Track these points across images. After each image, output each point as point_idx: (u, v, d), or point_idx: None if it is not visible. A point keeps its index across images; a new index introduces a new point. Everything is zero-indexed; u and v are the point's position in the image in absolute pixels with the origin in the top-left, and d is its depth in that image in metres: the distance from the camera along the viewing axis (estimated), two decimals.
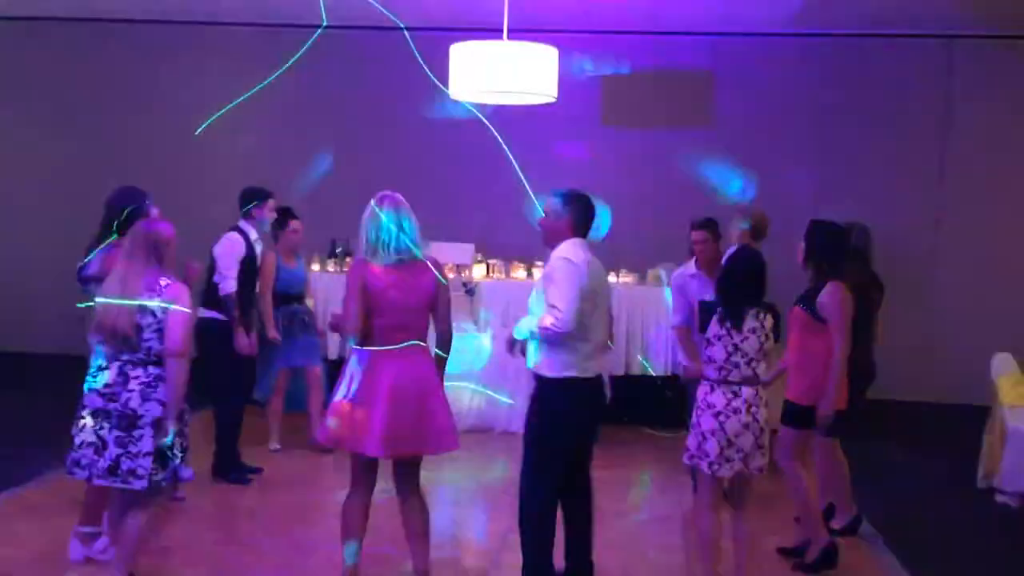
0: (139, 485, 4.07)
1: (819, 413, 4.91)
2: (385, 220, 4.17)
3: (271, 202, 6.46)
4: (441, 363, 4.32)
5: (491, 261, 8.69)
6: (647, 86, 9.53)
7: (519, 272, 8.58)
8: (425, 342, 4.29)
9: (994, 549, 5.59)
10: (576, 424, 4.44)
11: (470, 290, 8.26)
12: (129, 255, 4.18)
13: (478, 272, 8.55)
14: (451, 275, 8.47)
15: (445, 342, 4.31)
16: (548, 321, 4.24)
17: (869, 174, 9.21)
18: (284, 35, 9.64)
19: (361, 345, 4.18)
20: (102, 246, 4.84)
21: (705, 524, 4.55)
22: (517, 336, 4.47)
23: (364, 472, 4.30)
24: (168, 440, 4.08)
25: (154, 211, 4.96)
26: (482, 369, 7.80)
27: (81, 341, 4.59)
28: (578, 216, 4.52)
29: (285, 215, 6.98)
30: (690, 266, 6.23)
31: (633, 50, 9.62)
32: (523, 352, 4.50)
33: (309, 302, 7.30)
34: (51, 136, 10.00)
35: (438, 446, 4.26)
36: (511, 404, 7.58)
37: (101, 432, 4.09)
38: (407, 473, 4.33)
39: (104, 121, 9.86)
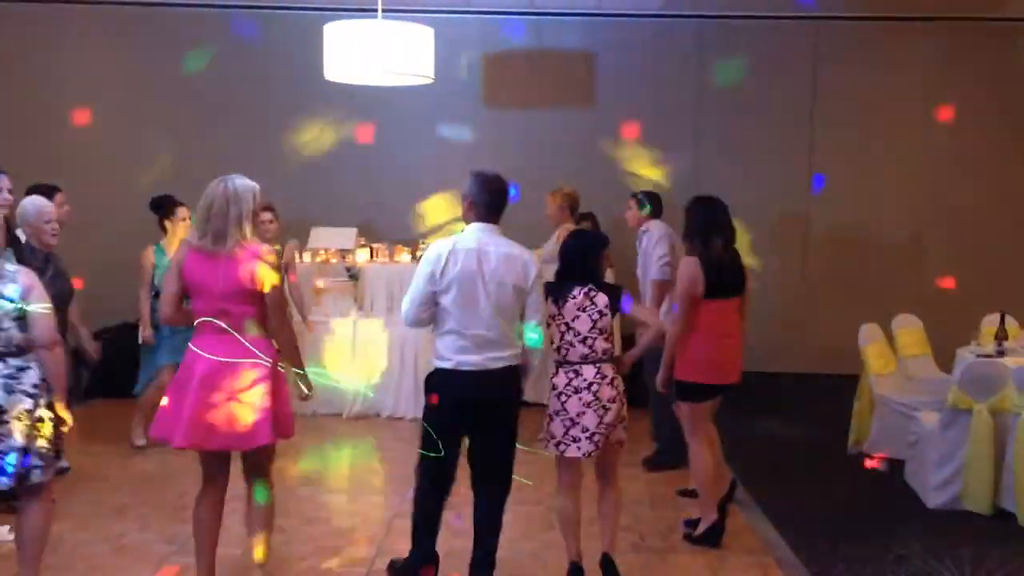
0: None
1: (658, 380, 5.22)
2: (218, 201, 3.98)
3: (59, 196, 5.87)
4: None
5: (374, 245, 8.60)
6: (528, 67, 9.55)
7: (403, 256, 8.50)
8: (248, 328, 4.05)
9: (864, 511, 5.82)
10: (445, 415, 4.30)
11: (353, 275, 8.16)
12: None
13: (361, 256, 8.44)
14: (334, 260, 8.37)
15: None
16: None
17: (744, 152, 9.44)
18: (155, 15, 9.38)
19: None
20: None
21: (560, 504, 4.56)
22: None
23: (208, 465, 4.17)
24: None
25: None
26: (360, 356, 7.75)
27: None
28: (478, 198, 4.34)
29: (171, 203, 6.81)
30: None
31: (512, 31, 9.62)
32: None
33: None
34: None
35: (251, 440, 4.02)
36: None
37: None
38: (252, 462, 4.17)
39: None
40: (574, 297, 4.43)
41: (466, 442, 4.38)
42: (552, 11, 9.48)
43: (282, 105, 9.27)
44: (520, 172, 9.24)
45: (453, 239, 4.32)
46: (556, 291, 4.47)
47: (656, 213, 6.58)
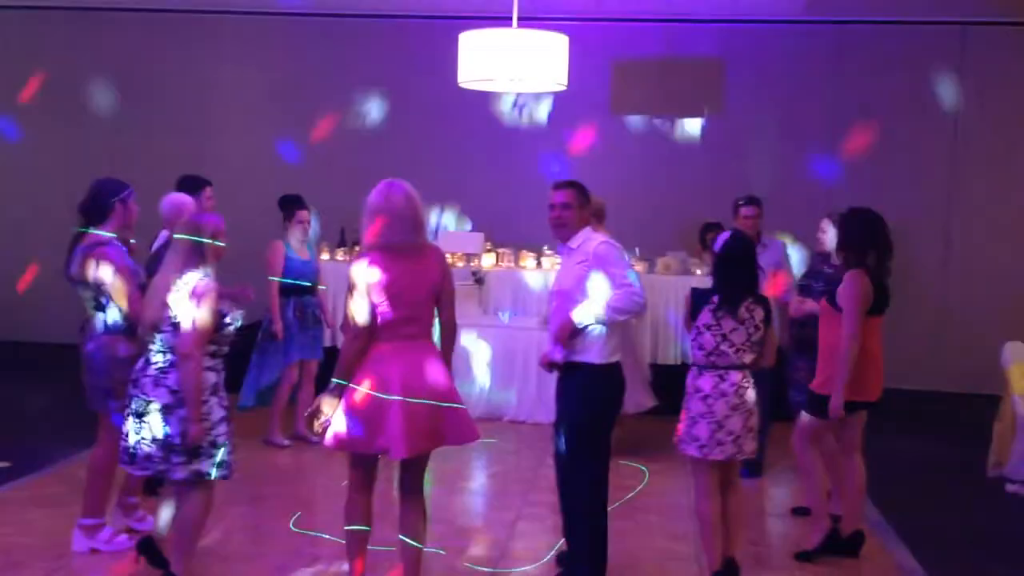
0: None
1: (831, 404, 4.88)
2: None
3: (208, 190, 6.04)
4: (447, 354, 4.24)
5: (500, 250, 8.69)
6: (657, 74, 9.51)
7: (527, 261, 8.57)
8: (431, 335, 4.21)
9: (1004, 538, 5.58)
10: (619, 407, 4.56)
11: (479, 279, 8.26)
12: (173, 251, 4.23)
13: (487, 261, 8.54)
14: (460, 264, 8.50)
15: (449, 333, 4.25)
16: (622, 300, 4.24)
17: (883, 163, 9.17)
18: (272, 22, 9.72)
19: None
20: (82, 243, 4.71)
21: (705, 510, 4.53)
22: (580, 322, 4.30)
23: (365, 470, 4.22)
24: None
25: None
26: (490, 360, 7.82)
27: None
28: (590, 206, 4.57)
29: (293, 204, 6.92)
30: None
31: (643, 38, 9.60)
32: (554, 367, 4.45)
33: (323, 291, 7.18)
34: None
35: (459, 437, 4.18)
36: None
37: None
38: (413, 471, 4.22)
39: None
40: (741, 310, 4.41)
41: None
42: (683, 18, 9.41)
43: (416, 110, 9.46)
44: (645, 180, 9.30)
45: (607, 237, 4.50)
46: (728, 304, 4.42)
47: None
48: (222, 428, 4.18)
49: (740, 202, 6.46)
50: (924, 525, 5.64)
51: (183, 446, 4.07)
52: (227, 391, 4.28)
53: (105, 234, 4.70)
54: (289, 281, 6.73)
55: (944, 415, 8.23)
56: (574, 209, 4.45)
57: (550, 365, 4.45)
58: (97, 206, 4.74)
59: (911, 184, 9.10)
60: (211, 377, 4.16)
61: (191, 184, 6.08)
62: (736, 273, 4.47)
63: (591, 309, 4.29)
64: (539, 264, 8.47)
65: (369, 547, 4.27)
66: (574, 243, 4.45)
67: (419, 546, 4.19)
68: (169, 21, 9.89)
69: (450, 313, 4.23)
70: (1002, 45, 9.09)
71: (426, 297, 4.13)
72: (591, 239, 4.43)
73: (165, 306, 4.10)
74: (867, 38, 9.25)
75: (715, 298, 4.44)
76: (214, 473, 4.16)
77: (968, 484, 6.61)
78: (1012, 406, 6.72)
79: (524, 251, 8.66)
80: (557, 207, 4.46)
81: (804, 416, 5.11)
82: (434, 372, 4.10)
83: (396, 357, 4.05)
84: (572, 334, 4.32)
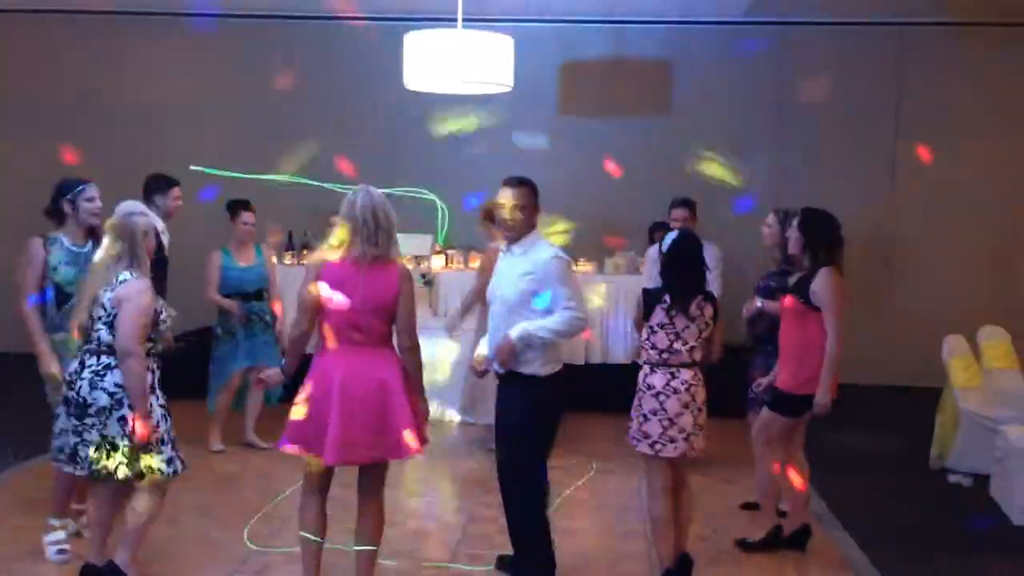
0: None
1: (817, 402, 4.90)
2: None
3: (176, 190, 6.12)
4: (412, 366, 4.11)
5: (450, 252, 8.67)
6: (604, 75, 9.56)
7: (477, 263, 8.54)
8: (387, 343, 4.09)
9: (947, 527, 5.69)
10: (559, 415, 4.52)
11: (428, 281, 8.24)
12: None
13: (436, 263, 8.52)
14: (410, 266, 8.45)
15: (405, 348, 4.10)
16: (564, 324, 4.27)
17: (826, 162, 9.32)
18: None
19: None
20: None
21: (657, 508, 4.57)
22: (520, 344, 4.26)
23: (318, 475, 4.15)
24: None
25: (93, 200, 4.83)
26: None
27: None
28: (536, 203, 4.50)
29: (238, 205, 6.83)
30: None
31: (589, 39, 9.64)
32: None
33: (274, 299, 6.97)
34: None
35: (397, 452, 4.04)
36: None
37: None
38: (371, 474, 4.16)
39: None
40: (693, 308, 4.46)
41: None
42: (629, 20, 9.47)
43: (359, 113, 9.41)
44: (595, 180, 9.34)
45: (554, 245, 4.45)
46: (680, 303, 4.46)
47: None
48: (163, 425, 4.21)
49: (673, 204, 6.51)
50: (869, 517, 5.73)
51: (129, 445, 4.07)
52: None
53: (53, 235, 4.74)
54: (219, 299, 6.67)
55: (888, 409, 8.38)
56: (526, 209, 4.39)
57: (484, 372, 4.51)
58: (55, 208, 4.79)
59: (852, 183, 9.23)
60: (147, 377, 4.16)
61: (159, 183, 6.01)
62: (685, 272, 4.51)
63: (532, 332, 4.26)
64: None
65: (331, 546, 4.27)
66: (520, 247, 4.40)
67: (373, 548, 4.17)
68: (103, 23, 9.73)
69: (406, 338, 4.06)
70: (940, 46, 9.28)
71: (376, 309, 3.99)
72: (537, 246, 4.38)
73: (99, 306, 4.12)
74: (808, 39, 9.38)
75: (667, 297, 4.48)
76: (165, 469, 4.18)
77: (912, 476, 6.73)
78: (953, 399, 6.87)
79: (473, 252, 8.65)
80: (507, 207, 4.40)
81: (766, 414, 5.12)
82: (379, 381, 3.98)
83: (341, 360, 4.00)
84: (512, 354, 4.31)
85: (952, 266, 9.28)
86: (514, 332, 4.28)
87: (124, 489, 4.27)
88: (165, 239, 5.83)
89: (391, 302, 4.01)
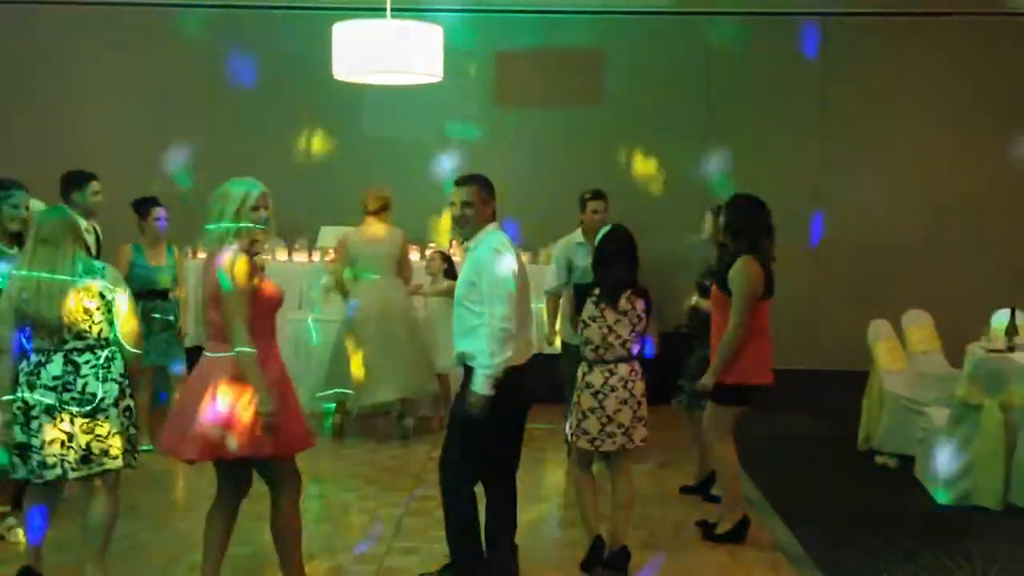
0: None
1: (702, 383, 4.99)
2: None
3: (95, 184, 6.04)
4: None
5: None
6: (538, 65, 9.56)
7: (412, 255, 8.48)
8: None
9: (874, 508, 5.81)
10: (511, 412, 4.30)
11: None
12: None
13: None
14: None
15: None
16: (494, 344, 4.08)
17: (754, 150, 9.43)
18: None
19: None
20: None
21: (579, 481, 4.66)
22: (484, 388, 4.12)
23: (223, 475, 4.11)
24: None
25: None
26: None
27: None
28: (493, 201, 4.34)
29: (148, 202, 6.68)
30: (577, 235, 6.39)
31: (523, 28, 9.63)
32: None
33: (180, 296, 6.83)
34: None
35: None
36: None
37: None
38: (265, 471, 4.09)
39: None
40: (623, 301, 4.47)
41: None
42: (560, 10, 9.48)
43: (290, 105, 9.28)
44: (530, 171, 9.34)
45: (501, 239, 4.27)
46: (609, 296, 4.47)
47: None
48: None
49: (587, 196, 6.44)
50: (800, 501, 5.84)
51: (134, 432, 4.17)
52: None
53: None
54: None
55: (816, 393, 8.52)
56: (475, 206, 4.26)
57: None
58: None
59: (780, 172, 9.35)
60: None
61: (75, 179, 5.85)
62: (616, 265, 4.52)
63: (482, 377, 4.10)
64: (422, 257, 8.39)
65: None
66: (474, 243, 4.32)
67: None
68: (32, 12, 9.45)
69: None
70: (862, 36, 9.46)
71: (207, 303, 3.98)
72: (481, 242, 4.26)
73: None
74: (736, 29, 9.49)
75: (595, 291, 4.50)
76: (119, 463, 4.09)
77: (840, 458, 6.88)
78: (879, 382, 7.03)
79: (407, 244, 8.57)
80: (458, 205, 4.29)
81: (713, 407, 5.12)
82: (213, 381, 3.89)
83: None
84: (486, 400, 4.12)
85: (876, 252, 9.46)
86: (475, 386, 4.13)
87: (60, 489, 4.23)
88: (91, 239, 5.59)
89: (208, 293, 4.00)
